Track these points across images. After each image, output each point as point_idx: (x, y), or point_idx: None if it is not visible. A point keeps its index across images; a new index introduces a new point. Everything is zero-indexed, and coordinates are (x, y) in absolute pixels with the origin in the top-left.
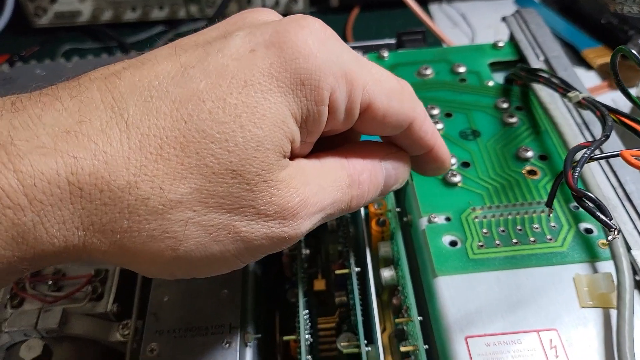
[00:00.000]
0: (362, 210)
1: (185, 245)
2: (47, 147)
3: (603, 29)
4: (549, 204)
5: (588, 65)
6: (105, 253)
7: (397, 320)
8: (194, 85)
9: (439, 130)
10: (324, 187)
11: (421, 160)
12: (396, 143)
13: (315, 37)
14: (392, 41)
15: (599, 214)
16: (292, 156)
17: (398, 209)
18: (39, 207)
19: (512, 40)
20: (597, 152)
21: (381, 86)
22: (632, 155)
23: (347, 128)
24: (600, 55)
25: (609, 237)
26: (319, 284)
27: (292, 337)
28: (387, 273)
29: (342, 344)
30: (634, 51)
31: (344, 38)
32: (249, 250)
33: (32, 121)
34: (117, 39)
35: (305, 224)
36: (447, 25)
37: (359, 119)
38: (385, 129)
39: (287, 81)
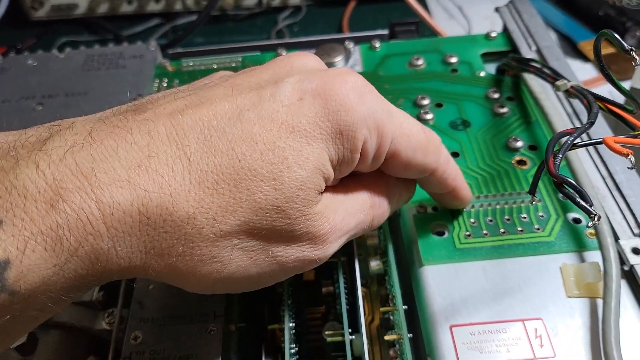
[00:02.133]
0: None
1: (229, 269)
2: (123, 180)
3: (600, 20)
4: (532, 191)
5: (585, 58)
6: (159, 273)
7: (382, 309)
8: (248, 127)
9: (428, 120)
10: (350, 212)
11: (443, 197)
12: (420, 182)
13: (356, 92)
14: (385, 32)
15: (579, 199)
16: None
17: None
18: (113, 234)
19: (506, 31)
20: (580, 139)
21: (408, 139)
22: (616, 142)
23: (372, 170)
24: None
25: (589, 224)
26: (308, 274)
27: (277, 325)
28: (373, 262)
29: (326, 332)
30: (616, 35)
31: (340, 30)
32: (283, 272)
33: (109, 154)
34: (113, 31)
35: (333, 247)
36: (443, 17)
37: (384, 163)
38: (407, 174)
39: (328, 130)
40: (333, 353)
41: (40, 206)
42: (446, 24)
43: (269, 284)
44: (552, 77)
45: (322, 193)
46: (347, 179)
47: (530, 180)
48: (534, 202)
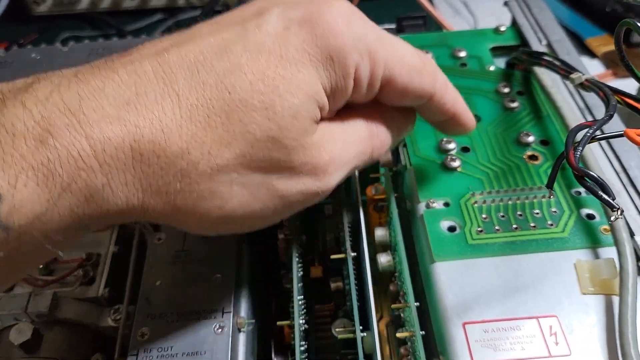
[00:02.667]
0: (359, 194)
1: (230, 204)
2: (112, 117)
3: (607, 16)
4: (550, 185)
5: (592, 54)
6: (159, 213)
7: (393, 306)
8: (235, 59)
9: None
10: (348, 142)
11: (444, 125)
12: (419, 110)
13: (343, 17)
14: (392, 26)
15: (601, 193)
16: (320, 120)
17: (396, 194)
18: (107, 170)
19: (514, 25)
20: (599, 132)
21: (402, 63)
22: (638, 134)
23: (368, 100)
24: (604, 44)
25: (612, 218)
26: (316, 271)
27: (286, 322)
28: (383, 258)
29: (337, 329)
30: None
31: None
32: (286, 206)
33: (97, 92)
34: (116, 26)
35: (334, 178)
36: (448, 13)
37: (379, 92)
38: (404, 101)
39: (318, 56)
40: (343, 350)
41: (30, 143)
42: (451, 20)
43: (273, 222)
44: (565, 70)
45: (318, 123)
46: (343, 111)
47: (542, 175)
48: (551, 197)
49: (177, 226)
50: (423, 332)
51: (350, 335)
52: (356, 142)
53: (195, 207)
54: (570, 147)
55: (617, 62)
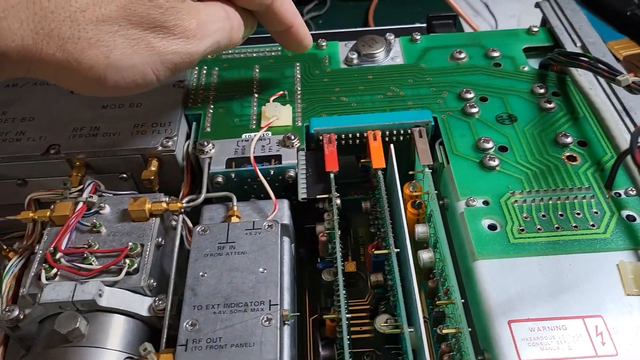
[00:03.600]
0: (400, 191)
1: (114, 54)
2: None
3: (628, 20)
4: (609, 185)
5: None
6: (52, 56)
7: (438, 302)
8: None
9: (474, 113)
10: (211, 17)
11: (285, 36)
12: (262, 20)
13: None
14: (422, 25)
15: None
16: None
17: (436, 191)
18: (4, 5)
19: (546, 26)
20: None
21: None
22: None
23: None
24: (625, 47)
25: None
26: (350, 266)
27: (333, 316)
28: (425, 255)
29: (381, 324)
30: None
31: (366, 24)
32: (163, 63)
33: None
34: None
35: (202, 44)
36: (469, 14)
37: None
38: (254, 1)
39: None
40: (387, 346)
41: None
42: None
43: (152, 82)
44: (609, 72)
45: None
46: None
47: (581, 176)
48: (608, 197)
49: (69, 82)
50: (470, 329)
51: (397, 331)
52: (217, 18)
53: (84, 52)
54: (636, 147)
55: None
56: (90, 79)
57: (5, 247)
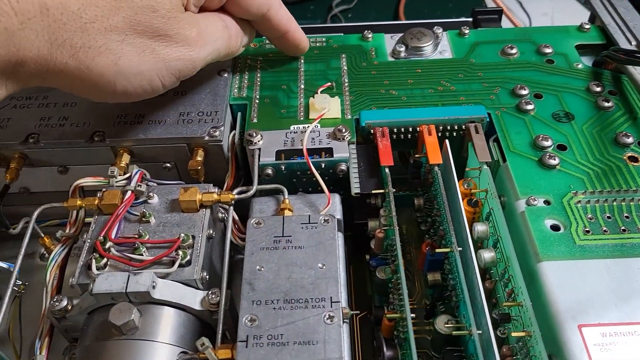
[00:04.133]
0: (458, 187)
1: (122, 60)
2: None
3: None
4: None
5: None
6: (66, 65)
7: (505, 304)
8: None
9: (529, 110)
10: (210, 27)
11: (282, 41)
12: (259, 27)
13: None
14: (467, 19)
15: None
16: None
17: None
18: (22, 19)
19: (596, 23)
20: None
21: None
22: None
23: (218, 6)
24: None
25: None
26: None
27: (396, 315)
28: (487, 254)
29: (445, 326)
30: None
31: (397, 18)
32: (168, 69)
33: None
34: None
35: (203, 51)
36: None
37: (227, 3)
38: (249, 11)
39: None
40: (448, 347)
41: None
42: (505, 19)
43: (160, 86)
44: None
45: (184, 9)
46: (202, 11)
47: None
48: None
49: (82, 89)
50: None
51: (464, 332)
52: (215, 29)
53: (94, 60)
54: None
55: None
56: (101, 86)
57: (42, 235)
